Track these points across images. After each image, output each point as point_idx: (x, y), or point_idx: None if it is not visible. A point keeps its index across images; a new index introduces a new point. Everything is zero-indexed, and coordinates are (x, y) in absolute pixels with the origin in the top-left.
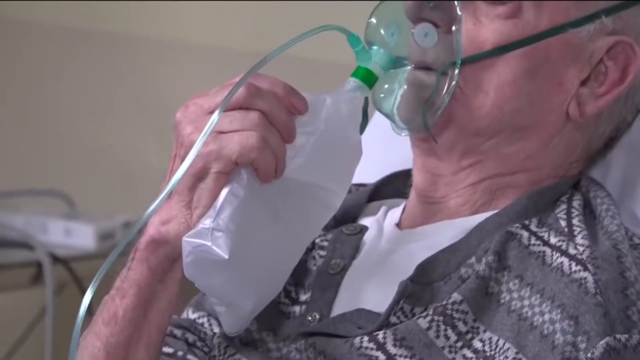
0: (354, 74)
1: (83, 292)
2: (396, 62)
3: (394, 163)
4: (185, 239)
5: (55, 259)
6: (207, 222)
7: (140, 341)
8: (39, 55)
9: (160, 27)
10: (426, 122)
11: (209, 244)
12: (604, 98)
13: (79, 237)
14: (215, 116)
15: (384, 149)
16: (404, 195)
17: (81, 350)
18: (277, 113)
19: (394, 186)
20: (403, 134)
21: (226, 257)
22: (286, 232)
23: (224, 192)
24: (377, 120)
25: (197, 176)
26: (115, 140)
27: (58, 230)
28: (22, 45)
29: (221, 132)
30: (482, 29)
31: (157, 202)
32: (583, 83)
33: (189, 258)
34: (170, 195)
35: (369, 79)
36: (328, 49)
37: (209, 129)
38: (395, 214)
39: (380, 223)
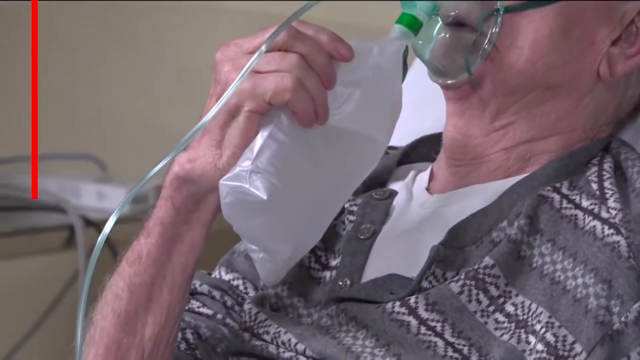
0: (399, 21)
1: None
2: (437, 9)
3: (425, 128)
4: (222, 182)
5: (88, 223)
6: (245, 165)
7: (164, 282)
8: (73, 22)
9: None
10: (469, 66)
11: (247, 185)
12: (634, 59)
13: (112, 200)
14: (256, 56)
15: (415, 114)
16: (432, 159)
17: (105, 290)
18: (317, 57)
19: (423, 150)
20: (440, 81)
21: (265, 198)
22: (327, 180)
23: (264, 135)
24: (408, 86)
25: (230, 114)
26: (148, 104)
27: (90, 193)
28: (55, 13)
29: (258, 72)
30: None
31: (188, 135)
32: (614, 43)
33: (227, 199)
34: (200, 135)
35: (413, 25)
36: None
37: (249, 67)
38: (423, 178)
39: (410, 187)
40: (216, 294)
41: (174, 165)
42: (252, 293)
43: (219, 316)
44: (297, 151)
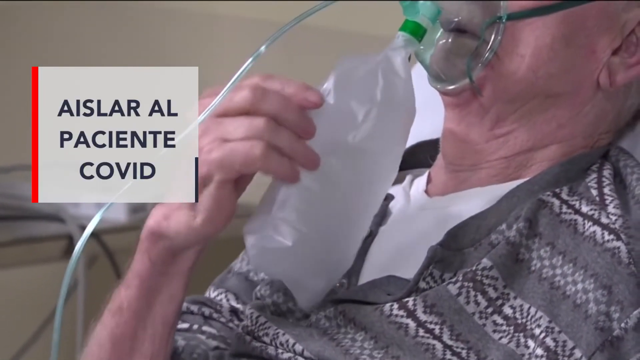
0: (402, 28)
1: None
2: (440, 14)
3: (425, 133)
4: (246, 232)
5: None
6: (265, 213)
7: (146, 333)
8: (73, 22)
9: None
10: (470, 73)
11: (270, 234)
12: (634, 68)
13: (110, 210)
14: (243, 69)
15: (416, 118)
16: (429, 165)
17: (90, 340)
18: (286, 114)
19: (419, 156)
20: (439, 87)
21: (289, 244)
22: (351, 202)
23: (279, 179)
24: None
25: (202, 182)
26: None
27: (89, 203)
28: (55, 13)
29: (226, 140)
30: None
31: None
32: (614, 52)
33: (253, 252)
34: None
35: (417, 32)
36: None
37: (235, 80)
38: (421, 182)
39: (407, 191)
40: (194, 308)
41: (150, 219)
42: (233, 302)
43: (195, 327)
44: (317, 188)
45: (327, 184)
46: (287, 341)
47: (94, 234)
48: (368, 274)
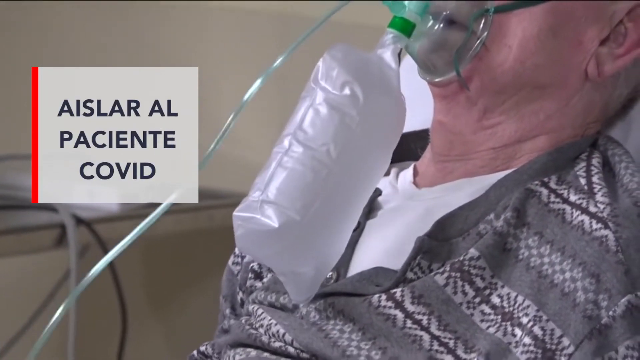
0: (391, 25)
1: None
2: (428, 7)
3: (416, 126)
4: (235, 213)
5: (79, 221)
6: (256, 195)
7: None
8: (73, 22)
9: None
10: (457, 65)
11: (258, 216)
12: (622, 59)
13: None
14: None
15: (407, 111)
16: (417, 157)
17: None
18: None
19: (404, 147)
20: (428, 78)
21: (276, 226)
22: (343, 191)
23: (273, 164)
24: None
25: None
26: None
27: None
28: (55, 13)
29: None
30: None
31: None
32: (602, 43)
33: (239, 231)
34: None
35: (406, 29)
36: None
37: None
38: (407, 175)
39: (394, 184)
40: None
41: None
42: None
43: None
44: (308, 175)
45: (320, 170)
46: (277, 331)
47: (87, 223)
48: (357, 266)
